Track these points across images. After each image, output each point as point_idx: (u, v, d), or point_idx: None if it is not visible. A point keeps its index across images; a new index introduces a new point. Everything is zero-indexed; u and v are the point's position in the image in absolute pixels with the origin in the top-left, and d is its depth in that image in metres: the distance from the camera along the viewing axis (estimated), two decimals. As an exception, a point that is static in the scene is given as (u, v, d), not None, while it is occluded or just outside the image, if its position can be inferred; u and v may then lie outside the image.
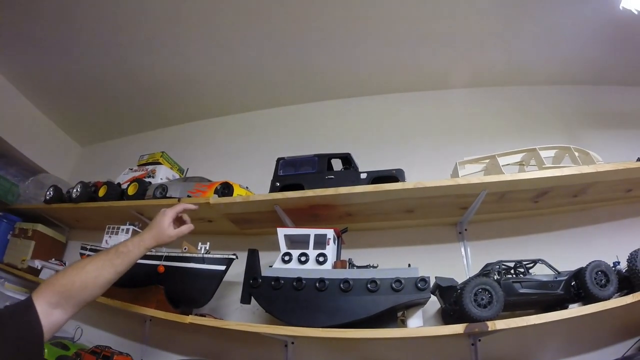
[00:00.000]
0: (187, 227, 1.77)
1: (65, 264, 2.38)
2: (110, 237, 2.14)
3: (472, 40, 2.38)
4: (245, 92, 2.76)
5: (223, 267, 1.98)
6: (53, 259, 2.39)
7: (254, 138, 2.80)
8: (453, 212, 2.09)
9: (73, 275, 1.32)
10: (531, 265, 1.91)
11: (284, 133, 2.78)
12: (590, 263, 1.79)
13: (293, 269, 1.84)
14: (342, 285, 1.75)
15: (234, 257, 1.98)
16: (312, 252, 1.86)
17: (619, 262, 1.91)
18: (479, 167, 2.10)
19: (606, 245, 2.06)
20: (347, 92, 2.74)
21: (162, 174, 2.37)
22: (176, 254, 2.03)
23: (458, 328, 1.65)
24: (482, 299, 1.68)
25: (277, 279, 1.82)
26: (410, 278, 1.72)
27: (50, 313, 1.21)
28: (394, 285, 1.71)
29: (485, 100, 2.67)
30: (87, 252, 2.17)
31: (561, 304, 1.90)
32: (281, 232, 1.92)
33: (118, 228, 2.14)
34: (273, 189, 2.03)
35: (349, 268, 1.89)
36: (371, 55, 2.47)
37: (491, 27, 2.31)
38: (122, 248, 1.50)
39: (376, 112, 2.75)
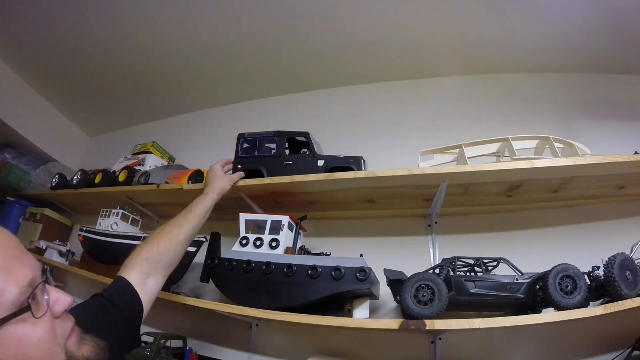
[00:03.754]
0: (238, 175, 1.90)
1: (67, 244, 2.54)
2: (103, 219, 2.25)
3: (459, 23, 2.17)
4: (232, 85, 2.81)
5: (194, 249, 2.01)
6: (57, 241, 2.53)
7: (234, 129, 2.75)
8: (418, 204, 1.92)
9: (156, 240, 1.32)
10: (493, 263, 1.73)
11: (263, 124, 2.72)
12: (555, 267, 1.56)
13: (247, 252, 1.82)
14: (285, 269, 1.70)
15: (204, 239, 2.01)
16: (266, 237, 1.82)
17: (598, 268, 1.65)
18: (451, 158, 1.93)
19: (590, 248, 1.80)
20: (326, 84, 2.66)
21: (151, 162, 2.48)
22: None
23: (393, 324, 1.52)
24: (424, 296, 1.54)
25: (230, 260, 1.82)
26: (351, 268, 1.62)
27: (144, 283, 1.18)
28: (333, 273, 1.62)
29: (475, 88, 2.43)
30: (84, 234, 2.29)
31: (533, 309, 1.69)
32: (243, 217, 1.91)
33: (110, 211, 2.26)
34: (235, 172, 2.01)
35: (303, 255, 1.85)
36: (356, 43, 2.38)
37: (479, 9, 2.10)
38: (191, 205, 1.56)
39: (359, 103, 2.64)
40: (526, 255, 1.81)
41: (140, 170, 2.36)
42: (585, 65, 2.28)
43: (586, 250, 1.78)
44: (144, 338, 2.03)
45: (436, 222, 2.02)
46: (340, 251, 1.86)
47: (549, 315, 1.51)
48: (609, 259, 1.60)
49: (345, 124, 2.55)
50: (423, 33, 2.26)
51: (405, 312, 1.57)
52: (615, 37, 2.12)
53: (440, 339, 1.84)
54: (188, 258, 2.01)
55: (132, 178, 2.30)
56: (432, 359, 1.83)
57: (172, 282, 2.08)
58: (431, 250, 1.99)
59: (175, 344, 2.10)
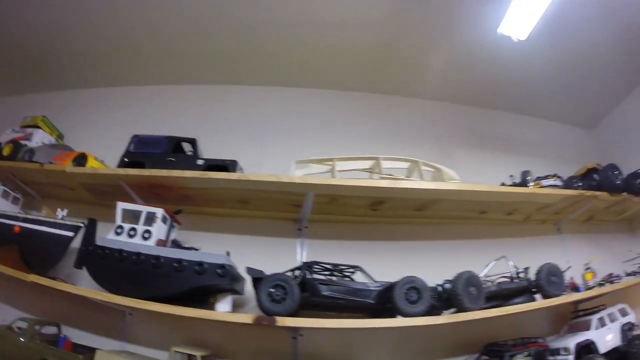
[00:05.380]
0: None
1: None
2: (-18, 195, 2.24)
3: (362, 38, 2.40)
4: (134, 64, 2.83)
5: (71, 234, 2.08)
6: None
7: (134, 113, 2.85)
8: (288, 209, 2.14)
9: None
10: (350, 270, 1.95)
11: (157, 112, 2.86)
12: (403, 278, 1.81)
13: (120, 241, 1.91)
14: (153, 261, 1.82)
15: (81, 225, 2.08)
16: (140, 228, 1.93)
17: (450, 281, 1.93)
18: (326, 169, 2.12)
19: (452, 263, 2.09)
20: (229, 79, 2.80)
21: (38, 138, 2.45)
22: (33, 217, 2.13)
23: (247, 318, 1.71)
24: (277, 294, 1.73)
25: (103, 248, 1.90)
26: (213, 263, 1.77)
27: None
28: (197, 267, 1.77)
29: (367, 105, 2.71)
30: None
31: (385, 313, 1.93)
32: (120, 205, 1.99)
33: (-10, 187, 2.23)
34: (121, 163, 2.11)
35: (173, 248, 1.97)
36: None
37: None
38: None
39: (251, 104, 2.81)
40: (389, 264, 2.06)
41: (26, 145, 2.34)
42: (470, 98, 2.61)
43: (448, 265, 2.06)
44: (18, 323, 2.06)
45: (306, 227, 2.25)
46: (213, 247, 1.98)
47: (393, 320, 1.77)
48: (456, 275, 1.91)
49: (234, 124, 2.72)
50: (324, 43, 2.45)
51: (260, 308, 1.75)
52: (495, 75, 2.43)
53: (301, 335, 2.05)
54: (64, 243, 2.08)
55: (17, 153, 2.29)
56: (292, 353, 2.04)
57: (48, 266, 2.11)
58: (298, 253, 2.21)
59: (51, 330, 2.15)
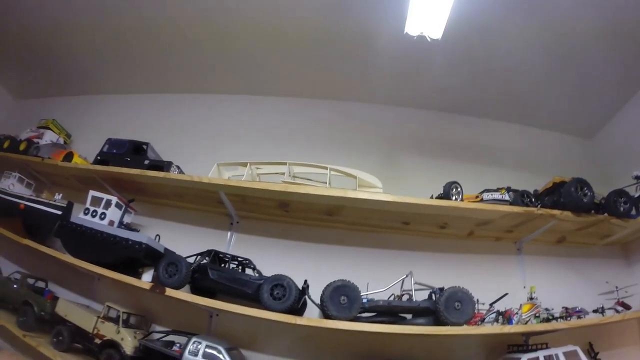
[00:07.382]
0: None
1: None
2: (5, 179, 3.13)
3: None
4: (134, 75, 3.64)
5: (59, 212, 2.91)
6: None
7: (129, 119, 3.66)
8: (217, 205, 2.72)
9: None
10: (245, 262, 2.49)
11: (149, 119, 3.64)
12: (272, 276, 2.30)
13: (85, 219, 2.64)
14: (99, 235, 2.54)
15: (64, 205, 2.91)
16: (100, 211, 2.68)
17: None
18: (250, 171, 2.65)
19: (368, 270, 2.56)
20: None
21: (48, 138, 3.35)
22: (34, 197, 2.97)
23: (146, 285, 2.35)
24: (170, 270, 2.34)
25: (71, 223, 2.66)
26: (135, 241, 2.43)
27: None
28: (124, 243, 2.45)
29: (309, 110, 3.29)
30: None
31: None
32: (90, 193, 2.75)
33: (10, 174, 3.14)
34: (94, 161, 2.87)
35: (121, 229, 2.68)
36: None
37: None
38: None
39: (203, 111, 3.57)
40: (296, 264, 2.56)
41: (38, 142, 3.25)
42: (442, 103, 2.99)
43: (364, 272, 2.49)
44: (14, 275, 2.94)
45: (237, 222, 2.84)
46: (160, 231, 2.69)
47: (256, 311, 2.20)
48: (305, 280, 2.33)
49: (194, 130, 3.49)
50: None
51: (157, 279, 2.37)
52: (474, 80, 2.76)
53: (217, 315, 2.63)
54: (54, 218, 2.90)
55: (29, 149, 3.18)
56: (208, 328, 2.63)
57: (43, 235, 2.91)
58: (227, 243, 2.81)
59: (42, 284, 3.00)
